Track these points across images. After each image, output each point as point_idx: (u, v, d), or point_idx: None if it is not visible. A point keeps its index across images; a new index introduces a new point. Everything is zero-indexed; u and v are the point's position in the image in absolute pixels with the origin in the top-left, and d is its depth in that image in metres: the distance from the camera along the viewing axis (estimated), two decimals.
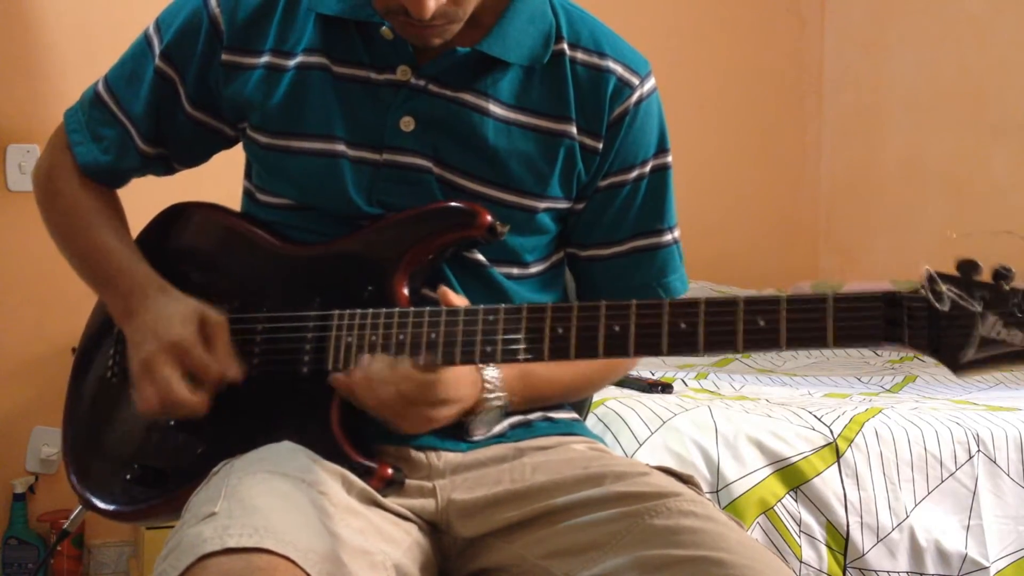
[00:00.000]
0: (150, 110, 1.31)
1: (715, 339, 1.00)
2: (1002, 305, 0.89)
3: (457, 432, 1.22)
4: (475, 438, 1.22)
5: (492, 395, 1.19)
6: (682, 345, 1.01)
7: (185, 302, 1.22)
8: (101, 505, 1.29)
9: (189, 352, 1.18)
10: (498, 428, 1.25)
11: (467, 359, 1.10)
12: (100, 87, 1.35)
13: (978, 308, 0.90)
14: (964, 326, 0.90)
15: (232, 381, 1.19)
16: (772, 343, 0.97)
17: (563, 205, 1.28)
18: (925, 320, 0.92)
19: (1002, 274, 0.90)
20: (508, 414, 1.24)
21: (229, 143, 1.35)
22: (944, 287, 0.91)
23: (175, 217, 1.37)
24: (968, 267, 0.91)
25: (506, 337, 1.08)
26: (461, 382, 1.15)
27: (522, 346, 1.07)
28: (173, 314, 1.20)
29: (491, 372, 1.19)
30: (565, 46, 1.26)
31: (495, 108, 1.23)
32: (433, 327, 1.11)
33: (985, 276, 0.91)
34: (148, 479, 1.25)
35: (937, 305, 0.91)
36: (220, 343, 1.20)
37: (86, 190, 1.33)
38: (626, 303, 1.04)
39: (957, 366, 0.91)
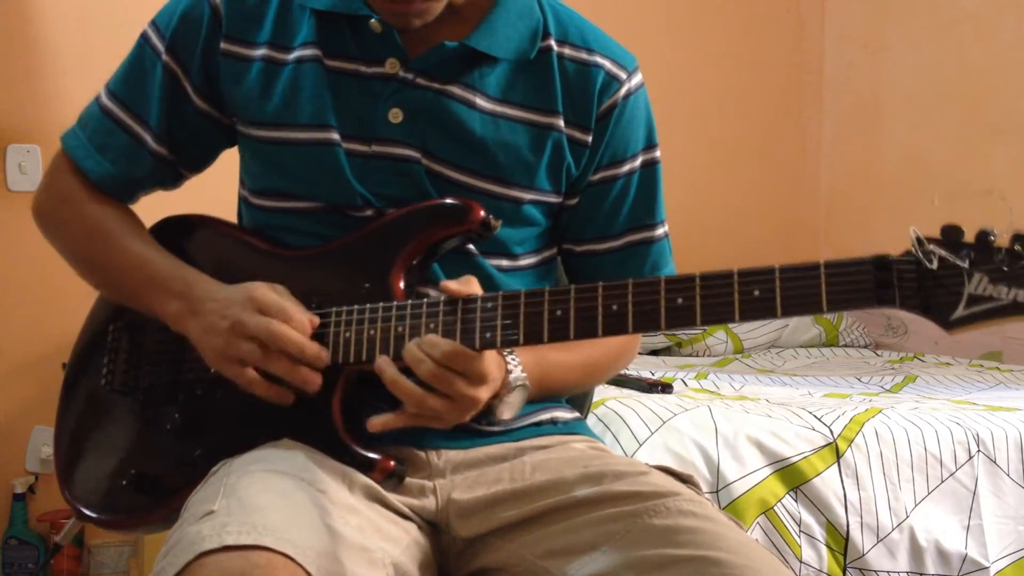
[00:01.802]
0: (163, 109, 1.31)
1: (712, 311, 1.01)
2: (988, 262, 0.91)
3: (461, 428, 1.22)
4: (503, 418, 1.21)
5: (514, 374, 1.17)
6: (680, 320, 1.02)
7: (241, 284, 1.20)
8: (96, 516, 1.28)
9: (272, 300, 1.16)
10: (527, 421, 1.25)
11: (466, 346, 1.09)
12: (103, 100, 1.34)
13: (965, 265, 0.92)
14: (952, 284, 0.93)
15: (313, 329, 1.17)
16: (768, 311, 0.99)
17: (551, 199, 1.29)
18: (915, 281, 0.94)
19: (986, 234, 0.92)
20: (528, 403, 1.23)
21: (232, 139, 1.36)
22: (931, 247, 0.93)
23: (167, 230, 1.36)
24: (952, 230, 0.94)
25: (505, 322, 1.08)
26: (491, 361, 1.13)
27: (521, 330, 1.08)
28: (243, 287, 1.18)
29: (509, 354, 1.19)
30: (552, 42, 1.28)
31: (482, 101, 1.25)
32: (431, 317, 1.11)
33: (969, 239, 0.93)
34: (145, 486, 1.25)
35: (926, 263, 0.93)
36: (289, 300, 1.18)
37: (103, 207, 1.32)
38: (623, 283, 1.05)
39: (948, 324, 0.93)
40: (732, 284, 1.00)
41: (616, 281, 1.06)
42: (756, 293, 0.99)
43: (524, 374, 1.18)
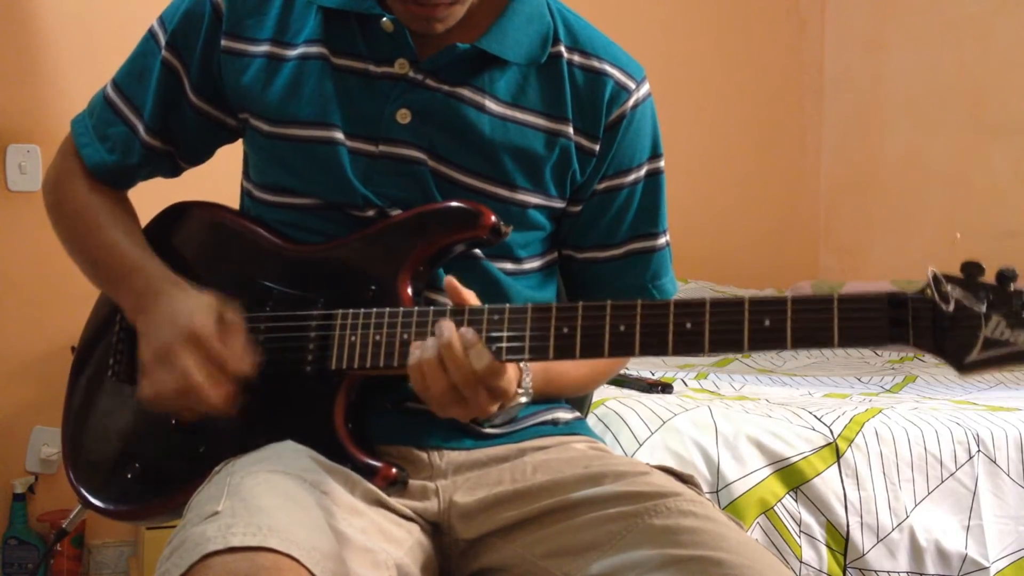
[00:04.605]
0: (158, 103, 1.31)
1: (720, 339, 1.00)
2: (1006, 306, 0.90)
3: (463, 429, 1.22)
4: (493, 423, 1.20)
5: (523, 390, 1.17)
6: (687, 345, 1.01)
7: (200, 296, 1.21)
8: (100, 504, 1.29)
9: (208, 342, 1.16)
10: (528, 422, 1.26)
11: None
12: (108, 89, 1.36)
13: (982, 309, 0.91)
14: (968, 327, 0.91)
15: (246, 377, 1.18)
16: (778, 343, 0.98)
17: (556, 204, 1.29)
18: (930, 321, 0.92)
19: (1006, 276, 0.91)
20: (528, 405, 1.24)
21: (231, 136, 1.36)
22: (948, 288, 0.92)
23: (177, 216, 1.37)
24: (972, 269, 0.92)
25: (511, 335, 1.08)
26: (512, 380, 1.13)
27: (527, 344, 1.07)
28: (191, 306, 1.19)
29: (527, 375, 1.18)
30: (563, 49, 1.28)
31: (492, 104, 1.24)
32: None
33: (989, 278, 0.92)
34: (148, 478, 1.25)
35: (942, 306, 0.91)
36: (237, 337, 1.18)
37: (95, 193, 1.34)
38: (631, 303, 1.04)
39: (961, 367, 0.92)
40: (743, 312, 0.99)
41: (624, 300, 1.05)
42: (767, 323, 0.98)
43: (531, 392, 1.18)
